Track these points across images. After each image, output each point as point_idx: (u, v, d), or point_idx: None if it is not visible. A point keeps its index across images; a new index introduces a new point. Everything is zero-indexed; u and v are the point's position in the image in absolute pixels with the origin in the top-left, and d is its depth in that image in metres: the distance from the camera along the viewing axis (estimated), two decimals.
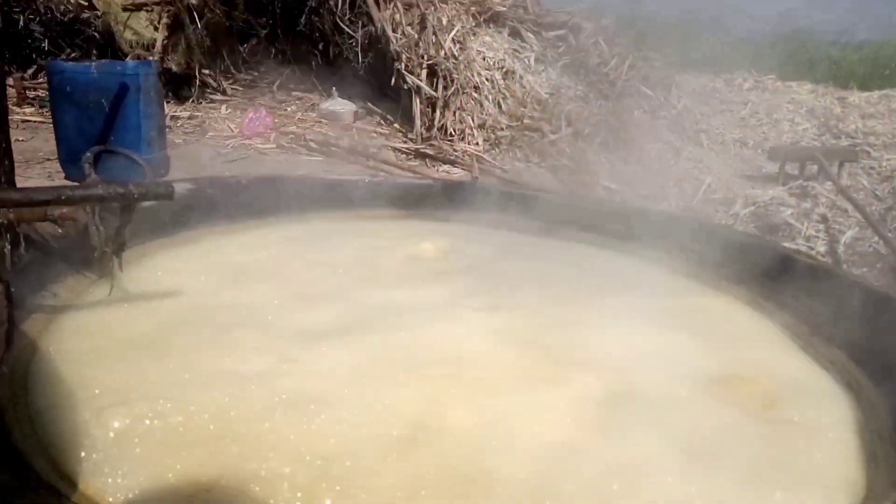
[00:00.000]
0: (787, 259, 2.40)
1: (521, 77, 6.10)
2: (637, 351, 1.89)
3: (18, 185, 2.03)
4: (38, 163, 4.17)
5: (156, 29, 6.13)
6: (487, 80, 5.81)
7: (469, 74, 5.70)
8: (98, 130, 3.49)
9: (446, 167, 5.10)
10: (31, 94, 5.94)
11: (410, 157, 5.28)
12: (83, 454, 1.30)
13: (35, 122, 5.25)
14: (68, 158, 3.63)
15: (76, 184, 1.53)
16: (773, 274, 2.35)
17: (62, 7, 6.65)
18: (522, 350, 1.85)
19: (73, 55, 6.50)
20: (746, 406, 1.68)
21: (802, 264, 2.35)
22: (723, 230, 2.89)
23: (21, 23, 6.66)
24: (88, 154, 2.50)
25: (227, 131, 5.39)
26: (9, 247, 1.89)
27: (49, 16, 6.65)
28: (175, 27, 6.13)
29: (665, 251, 2.67)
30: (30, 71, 6.61)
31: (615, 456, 1.42)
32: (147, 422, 1.39)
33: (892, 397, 1.69)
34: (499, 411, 1.54)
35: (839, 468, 1.47)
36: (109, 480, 1.23)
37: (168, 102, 5.76)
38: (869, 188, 5.62)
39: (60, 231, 2.17)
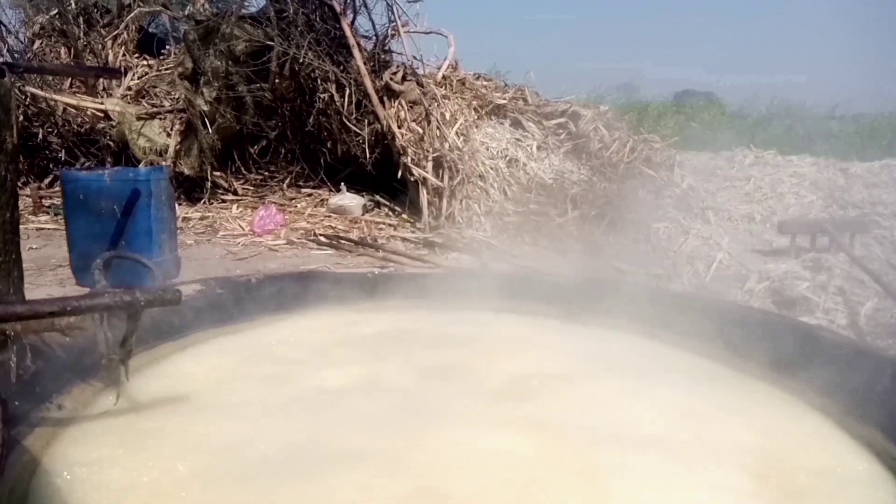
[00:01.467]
0: (811, 337, 2.33)
1: (524, 164, 6.21)
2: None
3: (29, 292, 2.03)
4: (50, 269, 4.21)
5: (168, 135, 6.35)
6: (492, 168, 5.92)
7: (473, 164, 5.81)
8: (110, 236, 3.53)
9: (455, 254, 5.10)
10: (46, 202, 6.09)
11: (419, 245, 5.30)
12: None
13: (49, 229, 5.35)
14: (80, 265, 3.66)
15: (82, 294, 1.50)
16: (800, 353, 2.27)
17: (79, 119, 6.93)
18: None
19: (87, 164, 6.72)
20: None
21: (827, 341, 2.27)
22: (742, 309, 2.82)
23: (40, 135, 6.93)
24: (99, 260, 2.50)
25: (238, 230, 5.47)
26: (14, 359, 1.86)
27: (66, 127, 6.92)
28: (187, 133, 6.35)
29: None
30: (46, 181, 6.82)
31: None
32: None
33: None
34: None
35: None
36: None
37: (180, 205, 5.89)
38: (883, 258, 5.56)
39: (67, 339, 2.17)
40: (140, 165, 5.81)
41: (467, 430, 1.87)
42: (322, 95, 6.31)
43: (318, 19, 6.34)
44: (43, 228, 5.44)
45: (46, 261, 4.37)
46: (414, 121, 6.05)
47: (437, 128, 5.92)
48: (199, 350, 2.48)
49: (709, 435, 1.89)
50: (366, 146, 6.28)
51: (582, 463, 1.71)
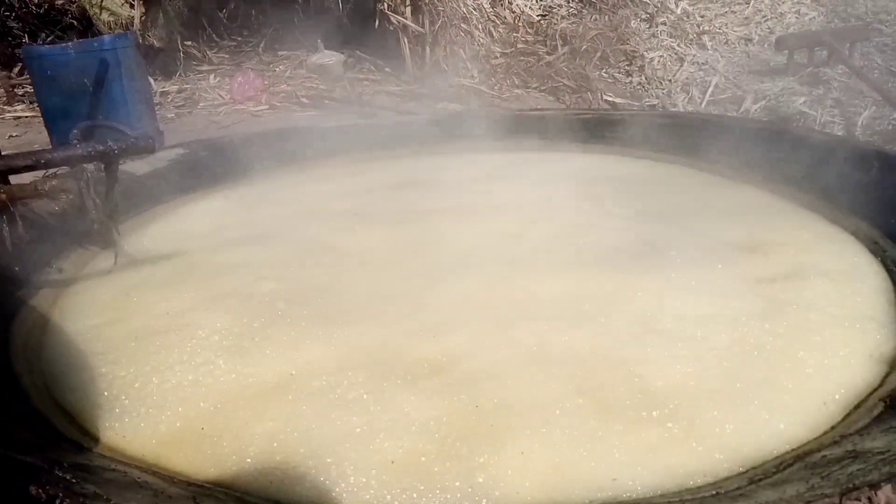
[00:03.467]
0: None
1: (509, 2, 5.88)
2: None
3: (15, 179, 1.99)
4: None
5: (132, 6, 6.01)
6: (475, 9, 5.62)
7: (455, 6, 5.50)
8: (86, 111, 3.44)
9: (443, 104, 4.98)
10: (20, 91, 5.89)
11: (406, 99, 5.16)
12: (100, 412, 1.29)
13: (27, 117, 5.20)
14: (60, 142, 3.60)
15: (63, 146, 1.47)
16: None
17: None
18: None
19: (49, 38, 6.41)
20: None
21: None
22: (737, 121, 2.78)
23: None
24: (76, 131, 2.45)
25: (219, 99, 5.31)
26: (6, 227, 1.87)
27: (24, 9, 6.54)
28: (151, 2, 5.99)
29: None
30: (15, 70, 6.54)
31: None
32: (156, 379, 1.38)
33: None
34: None
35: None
36: (128, 432, 1.23)
37: (156, 79, 5.67)
38: (884, 65, 5.38)
39: (56, 207, 2.17)
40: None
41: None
42: None
43: None
44: (21, 117, 5.29)
45: (29, 146, 4.29)
46: None
47: None
48: (189, 211, 2.48)
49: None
50: None
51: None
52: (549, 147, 2.98)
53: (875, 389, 1.20)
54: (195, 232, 2.27)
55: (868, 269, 1.70)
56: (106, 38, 3.61)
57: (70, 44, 3.63)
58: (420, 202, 2.41)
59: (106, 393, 1.35)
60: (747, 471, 1.02)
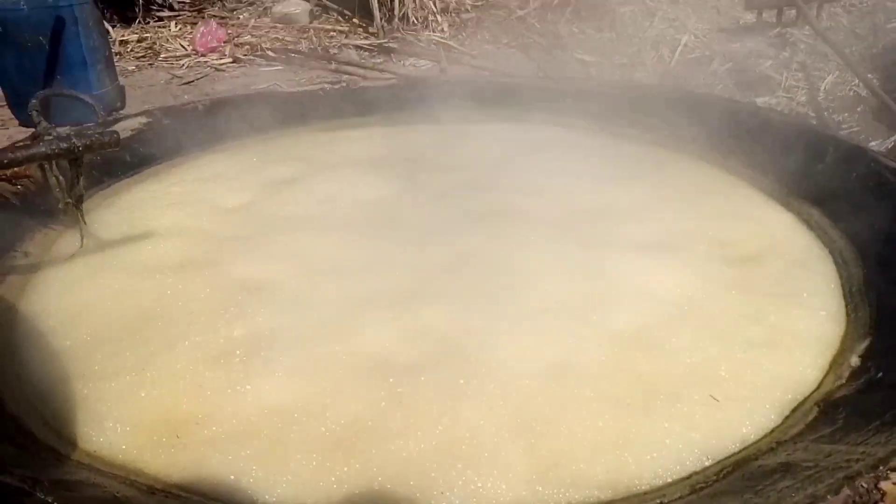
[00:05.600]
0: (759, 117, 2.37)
1: None
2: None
3: None
4: None
5: None
6: None
7: None
8: (42, 71, 3.32)
9: (412, 60, 4.91)
10: None
11: (374, 53, 5.07)
12: (77, 412, 1.32)
13: None
14: (17, 102, 3.49)
15: (18, 145, 1.45)
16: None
17: None
18: None
19: None
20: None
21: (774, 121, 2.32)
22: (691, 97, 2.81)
23: None
24: (34, 101, 2.38)
25: (181, 50, 5.13)
26: None
27: None
28: None
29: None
30: None
31: None
32: (141, 372, 1.41)
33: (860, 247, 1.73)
34: None
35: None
36: (107, 434, 1.27)
37: (114, 27, 5.46)
38: (849, 27, 5.43)
39: (19, 187, 2.14)
40: None
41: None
42: None
43: None
44: None
45: None
46: None
47: None
48: (156, 182, 2.44)
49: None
50: None
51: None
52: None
53: (813, 391, 1.29)
54: (164, 204, 2.25)
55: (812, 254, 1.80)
56: None
57: None
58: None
59: (83, 391, 1.37)
60: (690, 476, 1.11)
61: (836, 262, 1.74)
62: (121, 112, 3.63)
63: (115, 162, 2.43)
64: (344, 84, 3.05)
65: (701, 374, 1.35)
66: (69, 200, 1.94)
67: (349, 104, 2.98)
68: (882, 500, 0.87)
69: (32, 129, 2.02)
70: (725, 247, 1.84)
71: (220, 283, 1.73)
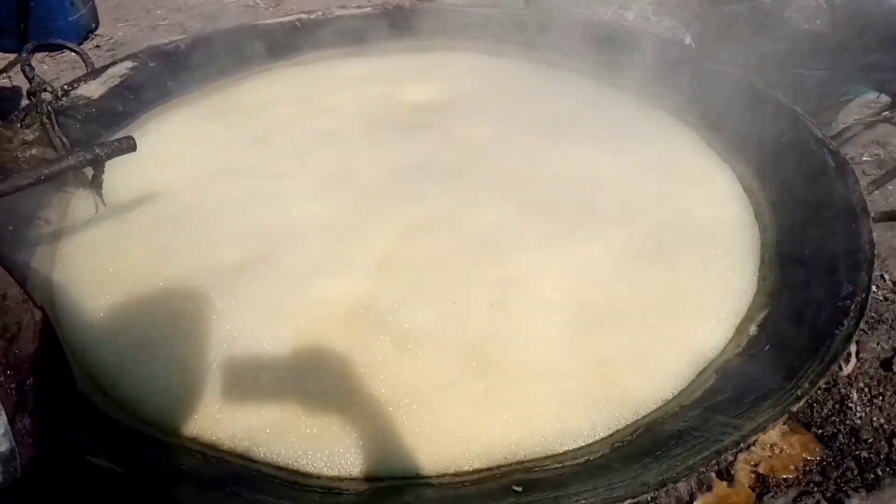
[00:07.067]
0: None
1: None
2: None
3: None
4: None
5: None
6: None
7: None
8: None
9: None
10: None
11: None
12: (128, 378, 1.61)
13: None
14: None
15: (51, 160, 1.64)
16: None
17: None
18: None
19: None
20: None
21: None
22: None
23: None
24: (24, 55, 2.48)
25: None
26: None
27: None
28: None
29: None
30: None
31: None
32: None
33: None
34: None
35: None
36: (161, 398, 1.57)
37: None
38: None
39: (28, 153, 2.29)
40: None
41: None
42: None
43: None
44: None
45: None
46: None
47: None
48: (157, 130, 2.56)
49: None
50: None
51: None
52: None
53: (716, 357, 1.63)
54: (168, 156, 2.40)
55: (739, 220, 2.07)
56: None
57: None
58: None
59: (139, 362, 1.61)
60: (612, 434, 1.47)
61: (759, 228, 2.03)
62: (96, 32, 3.64)
63: (107, 114, 2.56)
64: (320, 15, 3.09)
65: (623, 337, 1.65)
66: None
67: None
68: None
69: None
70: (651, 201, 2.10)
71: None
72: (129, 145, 1.65)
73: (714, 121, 2.41)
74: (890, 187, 2.74)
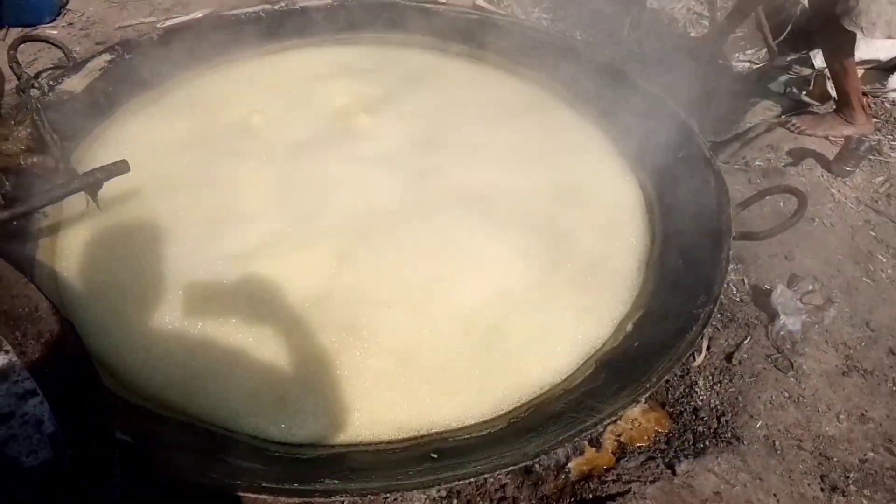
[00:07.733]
0: None
1: None
2: None
3: None
4: None
5: None
6: None
7: None
8: None
9: None
10: None
11: None
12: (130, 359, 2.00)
13: None
14: None
15: (56, 185, 1.95)
16: None
17: None
18: None
19: None
20: None
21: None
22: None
23: None
24: (11, 51, 2.70)
25: None
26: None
27: None
28: None
29: None
30: None
31: None
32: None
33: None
34: None
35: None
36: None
37: None
38: None
39: (22, 147, 2.56)
40: None
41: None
42: None
43: None
44: None
45: None
46: None
47: None
48: (136, 123, 2.84)
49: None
50: None
51: None
52: None
53: (597, 350, 2.08)
54: (148, 146, 2.66)
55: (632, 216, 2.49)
56: None
57: None
58: None
59: (145, 352, 2.00)
60: (511, 411, 1.92)
61: (649, 237, 2.45)
62: (67, 7, 3.78)
63: (93, 105, 2.81)
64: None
65: (525, 332, 2.08)
66: (63, 152, 2.36)
67: None
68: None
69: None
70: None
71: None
72: (124, 167, 1.97)
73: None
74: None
